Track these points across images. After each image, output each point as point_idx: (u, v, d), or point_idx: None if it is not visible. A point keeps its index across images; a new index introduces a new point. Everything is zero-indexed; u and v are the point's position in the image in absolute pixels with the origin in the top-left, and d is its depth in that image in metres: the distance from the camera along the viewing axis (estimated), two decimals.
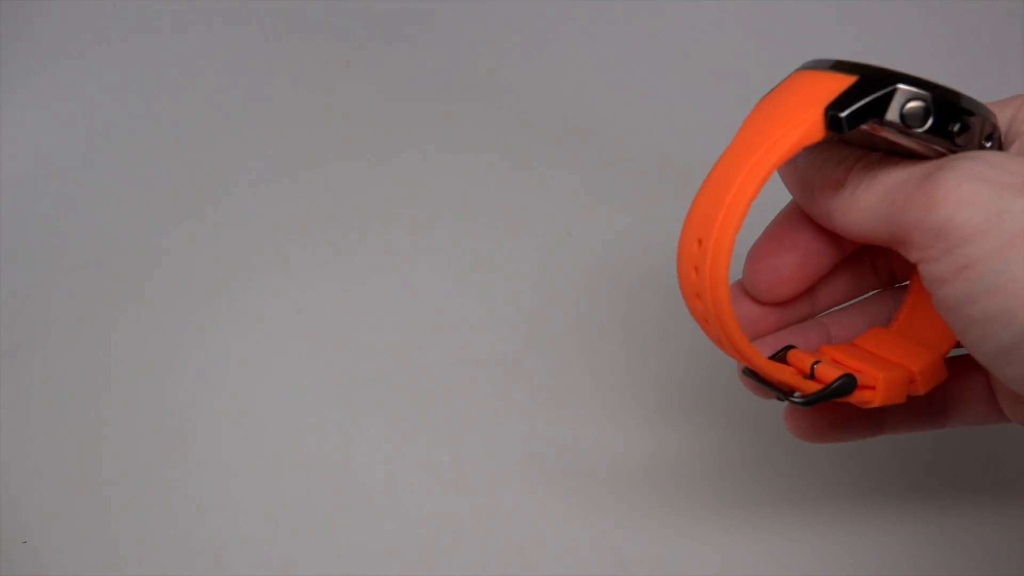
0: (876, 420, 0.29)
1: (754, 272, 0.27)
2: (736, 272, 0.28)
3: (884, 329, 0.28)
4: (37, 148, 0.48)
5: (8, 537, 0.36)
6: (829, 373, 0.26)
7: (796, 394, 0.26)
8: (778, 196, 0.26)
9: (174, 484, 0.37)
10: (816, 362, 0.26)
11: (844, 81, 0.22)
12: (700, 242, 0.23)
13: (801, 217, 0.27)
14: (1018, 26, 0.48)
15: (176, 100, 0.50)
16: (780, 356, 0.27)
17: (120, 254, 0.45)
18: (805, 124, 0.22)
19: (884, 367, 0.26)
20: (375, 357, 0.41)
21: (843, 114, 0.22)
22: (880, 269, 0.29)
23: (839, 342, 0.29)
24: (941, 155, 0.23)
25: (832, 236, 0.26)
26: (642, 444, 0.38)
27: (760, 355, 0.25)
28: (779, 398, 0.26)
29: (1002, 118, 0.24)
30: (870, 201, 0.23)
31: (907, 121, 0.22)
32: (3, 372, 0.41)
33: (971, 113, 0.23)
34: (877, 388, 0.26)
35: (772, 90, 0.24)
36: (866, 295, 0.29)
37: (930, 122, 0.22)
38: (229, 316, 0.42)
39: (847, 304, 0.29)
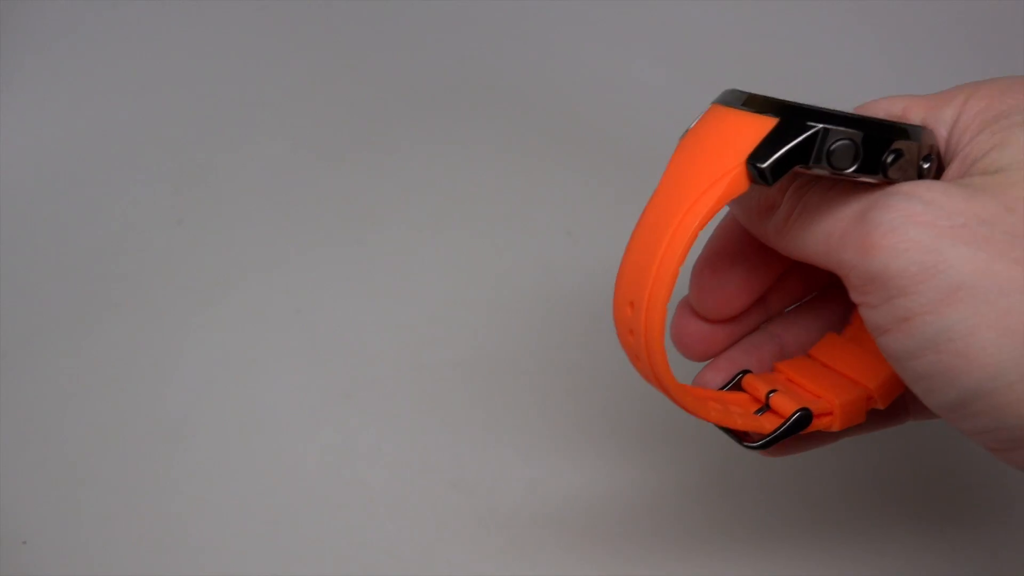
0: None
1: (700, 291, 0.26)
2: (685, 287, 0.27)
3: (839, 336, 0.27)
4: (37, 148, 0.48)
5: (8, 537, 0.36)
6: (785, 405, 0.25)
7: (752, 435, 0.25)
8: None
9: (173, 484, 0.37)
10: (772, 391, 0.25)
11: (764, 125, 0.21)
12: (632, 305, 0.22)
13: (743, 229, 0.26)
14: (1018, 25, 0.48)
15: (176, 100, 0.50)
16: (736, 384, 0.27)
17: (120, 254, 0.45)
18: (727, 178, 0.21)
19: (840, 390, 0.25)
20: (375, 357, 0.41)
21: (765, 165, 0.20)
22: None
23: (793, 353, 0.28)
24: (876, 186, 0.21)
25: None
26: (642, 444, 0.38)
27: (709, 407, 0.25)
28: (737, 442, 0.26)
29: (942, 121, 0.23)
30: (805, 232, 0.22)
31: (834, 163, 0.21)
32: (3, 372, 0.41)
33: (903, 140, 0.21)
34: (835, 414, 0.25)
35: (692, 128, 0.23)
36: (818, 292, 0.28)
37: (860, 160, 0.21)
38: (228, 316, 0.42)
39: (800, 303, 0.28)
